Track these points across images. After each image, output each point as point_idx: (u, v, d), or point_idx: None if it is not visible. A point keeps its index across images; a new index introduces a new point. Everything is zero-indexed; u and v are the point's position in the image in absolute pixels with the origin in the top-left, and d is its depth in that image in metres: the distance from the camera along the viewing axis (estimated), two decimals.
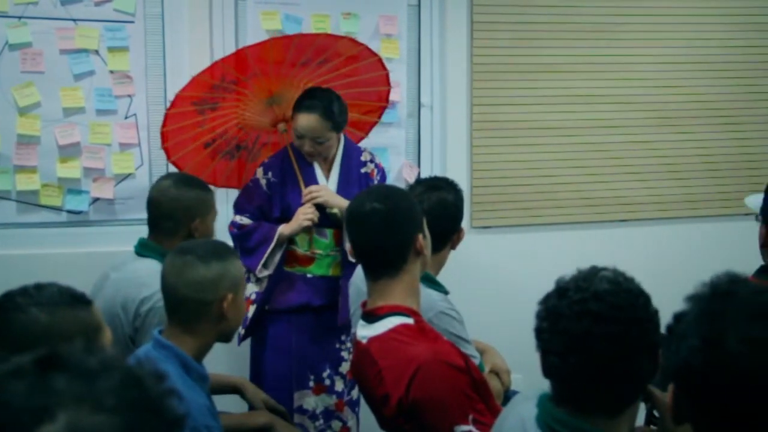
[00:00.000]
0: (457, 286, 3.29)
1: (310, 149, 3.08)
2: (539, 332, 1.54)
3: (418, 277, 2.10)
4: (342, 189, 3.15)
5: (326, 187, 3.14)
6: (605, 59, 3.91)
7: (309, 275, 3.17)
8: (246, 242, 3.12)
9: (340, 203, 3.04)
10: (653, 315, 1.53)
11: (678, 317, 1.27)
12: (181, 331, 2.04)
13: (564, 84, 3.87)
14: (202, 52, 3.53)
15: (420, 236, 2.06)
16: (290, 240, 3.13)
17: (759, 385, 1.13)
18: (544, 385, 1.60)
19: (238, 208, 3.21)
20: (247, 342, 3.25)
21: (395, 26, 3.70)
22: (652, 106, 3.98)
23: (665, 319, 1.56)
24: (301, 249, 3.16)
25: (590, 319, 1.46)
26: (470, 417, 1.90)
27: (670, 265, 3.94)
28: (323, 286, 3.17)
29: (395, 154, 3.74)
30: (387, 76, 3.33)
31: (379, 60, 3.30)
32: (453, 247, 2.49)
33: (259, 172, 3.18)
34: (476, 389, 1.95)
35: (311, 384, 3.15)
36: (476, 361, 2.24)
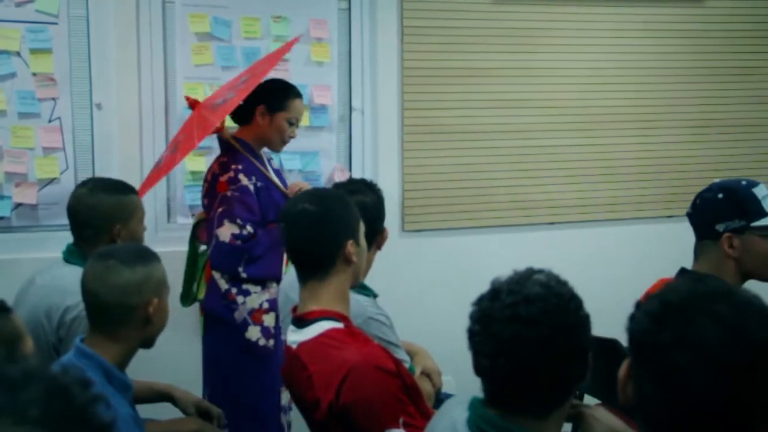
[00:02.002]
0: (389, 289, 3.31)
1: (294, 134, 3.18)
2: (471, 334, 1.55)
3: (347, 284, 2.10)
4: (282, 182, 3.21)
5: (305, 182, 3.25)
6: (533, 64, 3.97)
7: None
8: (255, 251, 3.02)
9: None
10: (584, 319, 1.54)
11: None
12: (104, 338, 1.99)
13: (493, 88, 3.92)
14: (129, 55, 3.48)
15: (350, 243, 2.06)
16: None
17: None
18: (475, 386, 1.61)
19: (242, 219, 3.02)
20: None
21: (326, 30, 3.70)
22: (578, 110, 4.05)
23: (596, 321, 1.60)
24: None
25: (520, 324, 1.48)
26: (401, 420, 1.90)
27: (599, 266, 4.03)
28: None
29: (326, 157, 3.74)
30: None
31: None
32: (378, 248, 2.50)
33: (244, 179, 3.06)
34: (407, 392, 1.95)
35: None
36: (406, 365, 2.25)
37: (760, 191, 2.35)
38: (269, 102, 3.12)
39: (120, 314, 2.00)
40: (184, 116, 3.55)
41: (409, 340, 2.68)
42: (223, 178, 3.07)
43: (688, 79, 4.19)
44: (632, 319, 1.24)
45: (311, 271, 2.07)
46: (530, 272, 1.56)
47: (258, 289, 3.04)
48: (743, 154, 4.29)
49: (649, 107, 4.16)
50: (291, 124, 3.15)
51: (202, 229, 3.22)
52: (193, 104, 3.13)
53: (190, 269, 3.24)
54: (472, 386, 1.68)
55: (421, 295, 3.85)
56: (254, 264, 3.01)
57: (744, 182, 2.38)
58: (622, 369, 1.28)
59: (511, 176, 3.99)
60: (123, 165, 3.47)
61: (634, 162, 4.16)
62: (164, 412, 2.65)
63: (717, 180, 2.45)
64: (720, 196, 2.35)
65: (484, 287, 1.60)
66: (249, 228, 3.02)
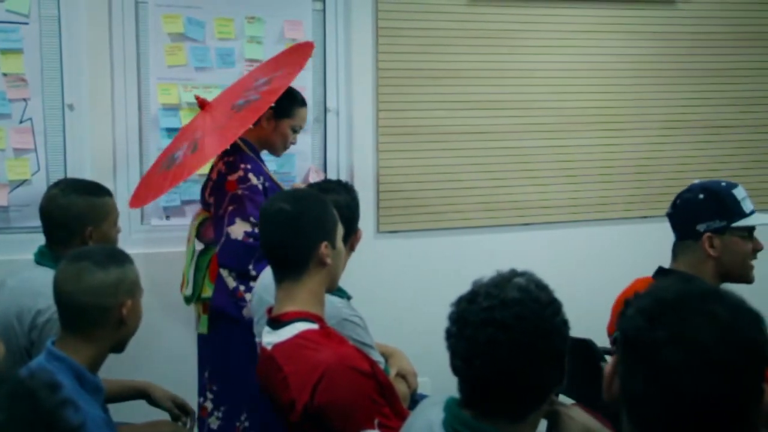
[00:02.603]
0: (364, 290, 3.32)
1: (294, 141, 3.31)
2: (448, 334, 1.56)
3: (323, 285, 2.10)
4: None
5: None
6: (507, 66, 3.98)
7: None
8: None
9: None
10: (560, 325, 1.54)
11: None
12: (76, 340, 1.98)
13: (468, 90, 3.92)
14: (101, 56, 3.45)
15: (324, 244, 2.06)
16: None
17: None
18: (451, 388, 1.61)
19: (255, 217, 3.01)
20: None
21: (300, 31, 3.69)
22: (552, 112, 4.07)
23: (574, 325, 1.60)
24: None
25: (494, 327, 1.48)
26: (376, 421, 1.90)
27: (574, 267, 4.05)
28: None
29: (302, 159, 3.73)
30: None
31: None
32: (352, 249, 2.49)
33: (253, 178, 3.10)
34: (382, 393, 1.96)
35: None
36: (381, 366, 2.25)
37: (739, 192, 2.38)
38: (276, 108, 3.16)
39: (93, 316, 1.98)
40: (159, 117, 3.54)
41: (384, 342, 2.69)
42: (233, 177, 3.09)
43: (660, 81, 4.22)
44: (624, 316, 1.24)
45: (286, 271, 2.07)
46: (511, 275, 1.56)
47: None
48: (713, 155, 4.33)
49: (620, 108, 4.18)
50: (294, 131, 3.27)
51: (207, 227, 3.22)
52: (203, 104, 3.16)
53: (193, 267, 3.23)
54: (448, 387, 1.68)
55: (396, 296, 3.85)
56: (263, 262, 2.99)
57: (723, 183, 2.41)
58: (609, 366, 1.28)
59: (487, 177, 3.99)
60: (96, 166, 3.44)
61: (607, 163, 4.18)
62: (140, 411, 2.63)
63: (696, 181, 2.48)
64: (701, 196, 2.37)
65: (458, 288, 1.60)
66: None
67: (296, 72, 3.07)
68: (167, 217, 3.61)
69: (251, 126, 3.09)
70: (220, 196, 3.11)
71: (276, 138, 3.24)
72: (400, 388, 2.38)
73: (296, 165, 3.72)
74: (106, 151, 3.50)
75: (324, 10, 3.77)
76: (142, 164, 3.57)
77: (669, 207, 2.45)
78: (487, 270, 1.61)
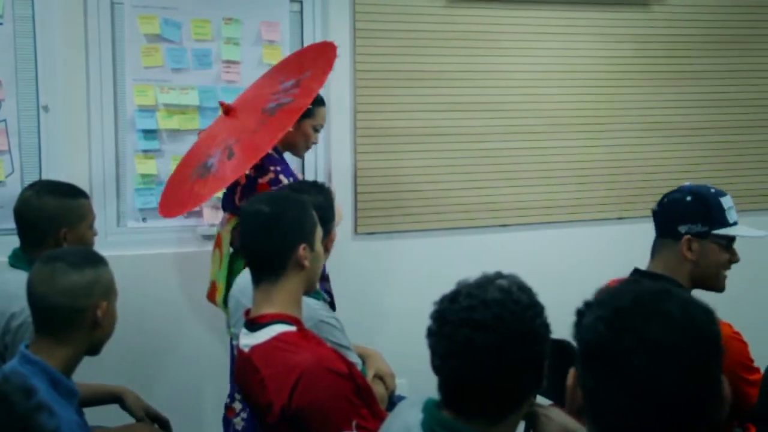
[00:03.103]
0: (342, 291, 3.32)
1: (317, 141, 3.37)
2: (429, 333, 1.56)
3: (301, 287, 2.10)
4: None
5: None
6: (485, 68, 3.99)
7: None
8: None
9: None
10: (539, 328, 1.53)
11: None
12: (50, 343, 1.95)
13: (446, 91, 3.93)
14: (77, 56, 3.43)
15: (302, 247, 2.06)
16: None
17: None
18: (430, 389, 1.61)
19: None
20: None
21: (278, 32, 3.68)
22: (530, 113, 4.09)
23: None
24: None
25: (472, 327, 1.48)
26: (354, 423, 1.90)
27: (551, 268, 4.06)
28: None
29: None
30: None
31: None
32: (327, 250, 2.49)
33: (284, 179, 3.12)
34: (360, 395, 1.95)
35: None
36: (359, 368, 2.24)
37: (726, 201, 2.40)
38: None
39: (68, 317, 1.96)
40: (135, 119, 3.51)
41: (361, 343, 2.69)
42: (264, 180, 3.11)
43: (635, 83, 4.25)
44: (581, 326, 1.25)
45: (264, 273, 2.07)
46: (495, 277, 1.56)
47: None
48: (687, 156, 4.37)
49: (597, 110, 4.21)
50: (316, 130, 3.32)
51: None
52: (228, 109, 3.17)
53: (226, 272, 3.24)
54: (426, 388, 1.68)
55: (374, 298, 3.84)
56: None
57: (713, 190, 2.42)
58: (570, 379, 1.29)
59: (464, 179, 4.00)
60: (71, 168, 3.41)
61: (583, 165, 4.21)
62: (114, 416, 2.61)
63: (687, 183, 2.49)
64: (688, 198, 2.38)
65: (435, 289, 1.60)
66: None
67: (327, 72, 3.08)
68: (144, 219, 3.59)
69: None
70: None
71: (298, 139, 3.28)
72: (378, 389, 2.38)
73: None
74: (81, 152, 3.47)
75: (301, 12, 3.76)
76: (118, 166, 3.55)
77: (656, 204, 2.46)
78: (464, 271, 1.61)
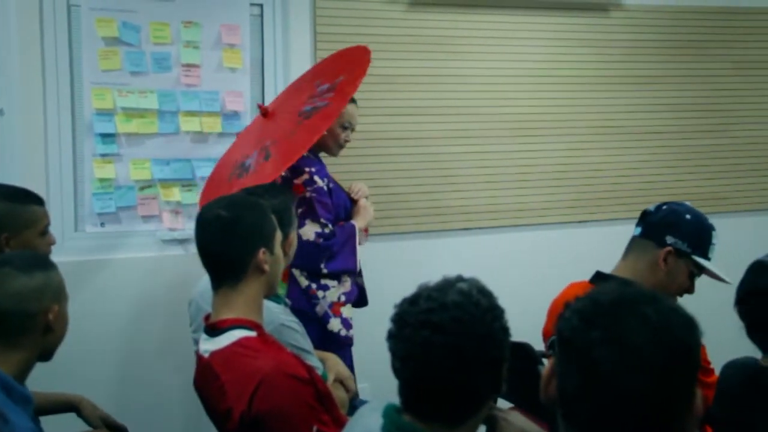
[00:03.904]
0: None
1: (349, 139, 3.35)
2: (389, 335, 1.56)
3: (261, 292, 2.09)
4: None
5: (362, 184, 3.44)
6: (446, 72, 4.01)
7: None
8: (333, 247, 3.18)
9: None
10: (497, 332, 1.53)
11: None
12: (2, 349, 1.91)
13: (407, 95, 3.94)
14: (33, 60, 3.37)
15: (262, 251, 2.04)
16: None
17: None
18: (391, 393, 1.61)
19: (324, 218, 3.17)
20: None
21: (238, 36, 3.66)
22: (491, 117, 4.11)
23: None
24: None
25: (431, 329, 1.48)
26: (314, 428, 1.89)
27: (519, 270, 4.09)
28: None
29: None
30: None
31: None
32: (285, 254, 2.47)
33: (319, 180, 3.21)
34: (320, 400, 1.95)
35: None
36: (319, 372, 2.24)
37: (714, 236, 2.43)
38: None
39: (19, 322, 1.92)
40: (93, 122, 3.47)
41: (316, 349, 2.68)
42: (299, 181, 3.18)
43: (594, 87, 4.29)
44: (562, 318, 1.26)
45: (223, 278, 2.05)
46: (455, 280, 1.56)
47: (335, 283, 3.20)
48: (648, 160, 4.43)
49: (558, 114, 4.24)
50: (345, 128, 3.31)
51: None
52: (265, 111, 3.26)
53: None
54: (388, 394, 1.68)
55: None
56: (333, 260, 3.17)
57: (709, 221, 2.45)
58: (547, 367, 1.29)
59: (430, 182, 4.01)
60: (27, 173, 3.35)
61: (540, 168, 4.24)
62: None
63: (689, 203, 2.51)
64: (688, 216, 2.40)
65: (385, 295, 1.60)
66: (330, 227, 3.18)
67: (361, 77, 3.11)
68: (102, 224, 3.55)
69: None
70: None
71: (328, 139, 3.29)
72: (339, 394, 2.37)
73: None
74: (38, 157, 3.42)
75: (261, 15, 3.75)
76: (76, 170, 3.50)
77: (652, 206, 2.47)
78: (411, 276, 1.61)
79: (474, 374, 1.49)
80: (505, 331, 1.56)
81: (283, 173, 3.13)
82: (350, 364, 3.16)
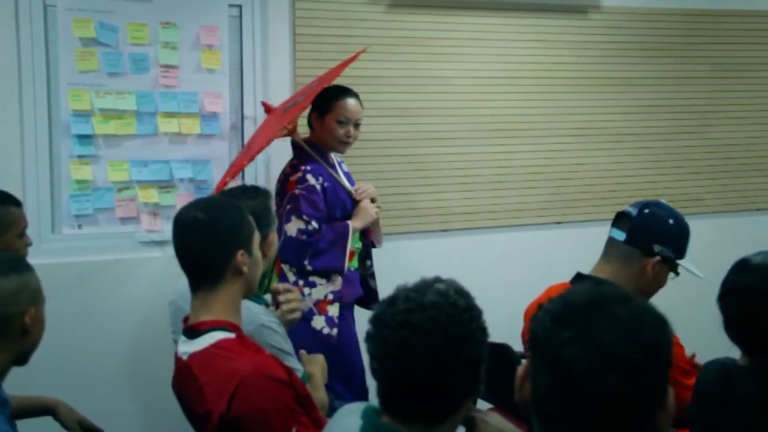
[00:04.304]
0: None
1: (352, 134, 3.36)
2: (367, 336, 1.56)
3: (240, 294, 2.08)
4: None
5: (369, 185, 3.45)
6: (426, 73, 4.01)
7: (352, 269, 3.41)
8: (320, 245, 3.24)
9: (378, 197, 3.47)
10: (475, 332, 1.53)
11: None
12: None
13: (386, 96, 3.94)
14: (8, 60, 3.35)
15: (240, 253, 2.04)
16: None
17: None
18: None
19: (308, 215, 3.25)
20: None
21: (216, 37, 3.65)
22: (471, 119, 4.12)
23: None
24: (353, 245, 3.35)
25: (409, 330, 1.48)
26: (294, 430, 1.89)
27: (496, 272, 4.10)
28: (359, 277, 3.48)
29: (218, 166, 3.67)
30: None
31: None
32: (264, 255, 2.47)
33: (311, 179, 3.28)
34: (299, 402, 1.94)
35: None
36: (299, 374, 2.23)
37: (689, 234, 2.44)
38: (318, 108, 3.37)
39: None
40: (70, 124, 3.45)
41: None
42: (293, 178, 3.30)
43: (572, 89, 4.32)
44: (535, 318, 1.26)
45: (201, 280, 2.04)
46: (433, 281, 1.57)
47: (323, 281, 3.25)
48: (624, 161, 4.46)
49: (538, 116, 4.26)
50: (341, 122, 3.34)
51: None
52: (268, 109, 3.41)
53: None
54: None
55: None
56: (319, 257, 3.22)
57: (684, 219, 2.45)
58: (521, 368, 1.30)
59: (407, 183, 4.02)
60: (3, 174, 3.32)
61: (523, 169, 4.26)
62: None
63: (663, 200, 2.49)
64: (671, 221, 2.39)
65: (380, 294, 1.60)
66: (314, 224, 3.24)
67: (336, 74, 3.22)
68: (79, 226, 3.52)
69: (312, 129, 3.40)
70: (282, 196, 3.33)
71: (326, 135, 3.36)
72: (318, 396, 2.37)
73: (212, 172, 3.67)
74: (14, 158, 3.39)
75: (240, 16, 3.74)
76: (53, 172, 3.48)
77: (632, 208, 2.42)
78: (387, 277, 1.61)
79: (452, 374, 1.49)
80: (482, 331, 1.56)
81: (287, 171, 3.34)
82: (341, 366, 3.16)
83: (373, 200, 3.43)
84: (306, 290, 3.22)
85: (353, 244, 3.36)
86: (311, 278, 3.24)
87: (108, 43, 3.48)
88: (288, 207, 3.27)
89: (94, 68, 3.47)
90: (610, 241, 2.45)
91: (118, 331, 3.57)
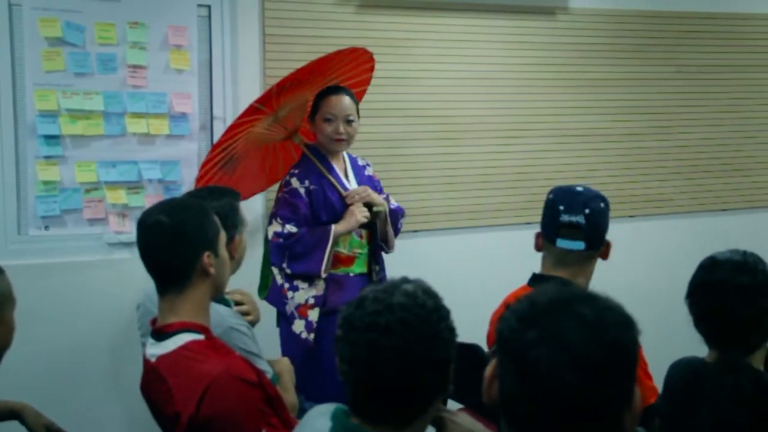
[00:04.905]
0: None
1: (342, 130, 3.29)
2: (336, 339, 1.56)
3: (207, 295, 2.07)
4: None
5: (368, 187, 3.37)
6: (396, 74, 4.02)
7: (351, 274, 3.36)
8: (297, 248, 3.23)
9: (381, 200, 3.39)
10: (443, 332, 1.54)
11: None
12: None
13: None
14: None
15: (206, 254, 2.02)
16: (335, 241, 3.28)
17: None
18: None
19: (284, 218, 3.26)
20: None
21: (185, 37, 3.63)
22: (441, 119, 4.13)
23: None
24: (344, 250, 3.33)
25: (378, 332, 1.48)
26: (263, 431, 1.88)
27: (477, 272, 4.12)
28: (364, 282, 3.36)
29: (187, 166, 3.65)
30: (370, 58, 3.53)
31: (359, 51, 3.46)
32: (232, 257, 2.45)
33: (295, 182, 3.28)
34: (269, 403, 1.94)
35: None
36: (269, 375, 2.23)
37: None
38: (311, 111, 3.37)
39: None
40: (36, 124, 3.41)
41: (271, 351, 2.67)
42: (283, 182, 3.35)
43: (541, 90, 4.34)
44: (502, 319, 1.27)
45: (168, 283, 2.03)
46: (401, 282, 1.57)
47: (306, 285, 3.24)
48: (593, 162, 4.49)
49: (507, 117, 4.28)
50: (328, 120, 3.30)
51: None
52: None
53: (264, 264, 3.36)
54: None
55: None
56: (297, 261, 3.22)
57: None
58: (489, 369, 1.30)
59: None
60: None
61: (490, 170, 4.27)
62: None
63: (579, 188, 2.44)
64: (602, 205, 2.40)
65: None
66: (289, 227, 3.24)
67: (295, 72, 3.19)
68: (46, 228, 3.48)
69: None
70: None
71: (319, 136, 3.36)
72: (288, 397, 2.36)
73: (182, 172, 3.64)
74: None
75: (209, 16, 3.71)
76: (19, 173, 3.44)
77: (575, 216, 2.38)
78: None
79: (421, 375, 1.50)
80: (451, 331, 1.57)
81: (285, 176, 3.37)
82: (319, 372, 3.17)
83: (369, 205, 3.34)
84: (290, 294, 3.22)
85: (354, 248, 3.35)
86: (295, 282, 3.23)
87: (75, 43, 3.45)
88: (273, 210, 3.33)
89: (61, 68, 3.43)
90: (565, 253, 2.40)
91: (85, 333, 3.53)
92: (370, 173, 3.56)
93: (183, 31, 3.62)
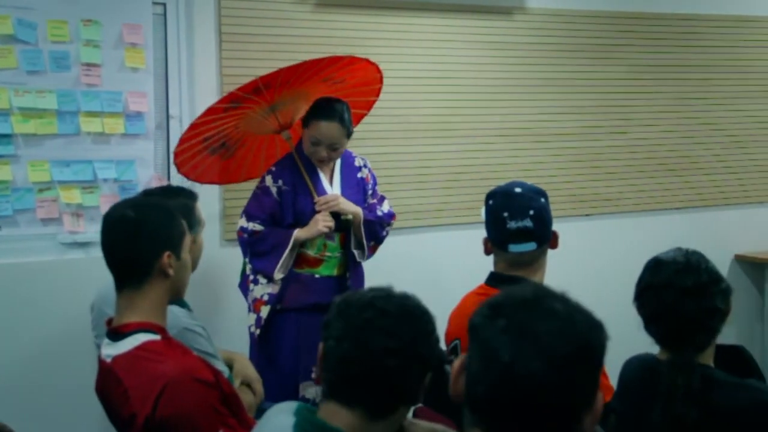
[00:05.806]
0: (208, 300, 3.26)
1: (324, 155, 3.27)
2: (326, 323, 1.59)
3: (165, 296, 2.05)
4: (343, 194, 3.35)
5: (339, 195, 3.32)
6: None
7: (317, 276, 3.33)
8: (258, 247, 3.26)
9: (354, 209, 3.32)
10: (432, 335, 1.61)
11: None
12: None
13: None
14: None
15: (166, 254, 2.01)
16: (301, 243, 3.27)
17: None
18: None
19: (249, 215, 3.30)
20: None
21: (140, 35, 3.59)
22: (397, 119, 4.14)
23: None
24: (311, 252, 3.31)
25: (373, 312, 1.53)
26: None
27: (410, 271, 4.12)
28: (331, 285, 3.32)
29: (143, 166, 3.62)
30: (377, 71, 3.52)
31: (367, 61, 3.45)
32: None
33: (269, 180, 3.30)
34: (226, 404, 1.93)
35: (313, 375, 3.23)
36: (225, 375, 2.22)
37: None
38: (304, 117, 3.31)
39: None
40: None
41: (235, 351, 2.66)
42: (261, 177, 3.36)
43: (498, 89, 4.37)
44: (476, 310, 1.28)
45: (126, 279, 2.01)
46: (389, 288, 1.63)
47: (264, 281, 3.27)
48: (548, 161, 4.54)
49: (464, 116, 4.31)
50: (313, 143, 3.25)
51: None
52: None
53: None
54: None
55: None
56: (258, 258, 3.26)
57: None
58: (456, 362, 1.31)
59: None
60: None
61: (449, 169, 4.29)
62: None
63: (518, 189, 2.44)
64: (542, 200, 2.43)
65: None
66: (252, 224, 3.27)
67: (276, 72, 3.15)
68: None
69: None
70: None
71: (306, 147, 3.32)
72: (246, 397, 2.36)
73: (137, 172, 3.60)
74: None
75: (165, 14, 3.68)
76: None
77: (527, 222, 2.38)
78: None
79: (404, 364, 1.53)
80: (437, 341, 1.62)
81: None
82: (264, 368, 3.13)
83: (336, 214, 3.28)
84: (251, 286, 3.28)
85: (322, 250, 3.32)
86: (257, 275, 3.29)
87: (27, 41, 3.40)
88: (245, 204, 3.38)
89: (13, 66, 3.38)
90: (518, 254, 2.41)
91: (39, 334, 3.48)
92: (364, 175, 3.49)
93: (138, 29, 3.59)
